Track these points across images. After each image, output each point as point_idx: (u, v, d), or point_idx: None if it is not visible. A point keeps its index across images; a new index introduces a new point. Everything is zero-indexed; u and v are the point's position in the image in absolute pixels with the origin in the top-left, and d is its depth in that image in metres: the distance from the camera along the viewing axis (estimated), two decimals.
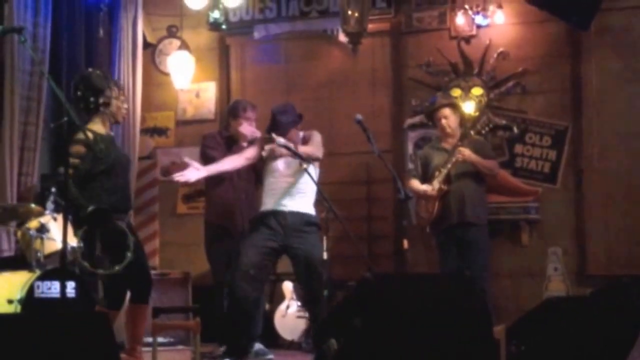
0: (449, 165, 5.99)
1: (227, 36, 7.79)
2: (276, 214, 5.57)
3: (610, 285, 4.30)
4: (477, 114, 6.89)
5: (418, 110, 7.17)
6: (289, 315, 6.82)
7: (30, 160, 6.30)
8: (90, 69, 5.72)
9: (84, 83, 5.15)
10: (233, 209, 6.18)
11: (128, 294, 5.32)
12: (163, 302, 6.77)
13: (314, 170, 5.62)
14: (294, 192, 5.60)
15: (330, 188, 6.22)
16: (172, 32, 7.90)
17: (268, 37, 7.69)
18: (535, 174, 6.99)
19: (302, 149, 5.59)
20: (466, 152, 5.95)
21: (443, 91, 6.97)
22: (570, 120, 6.97)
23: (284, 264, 6.14)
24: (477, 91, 7.09)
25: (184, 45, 7.72)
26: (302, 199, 5.63)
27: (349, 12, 6.90)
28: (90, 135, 4.92)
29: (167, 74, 7.75)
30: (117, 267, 4.82)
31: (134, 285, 5.22)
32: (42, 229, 5.00)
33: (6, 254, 5.97)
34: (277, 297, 7.02)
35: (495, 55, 7.07)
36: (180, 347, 6.68)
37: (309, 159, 5.49)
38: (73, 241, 4.75)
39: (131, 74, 7.40)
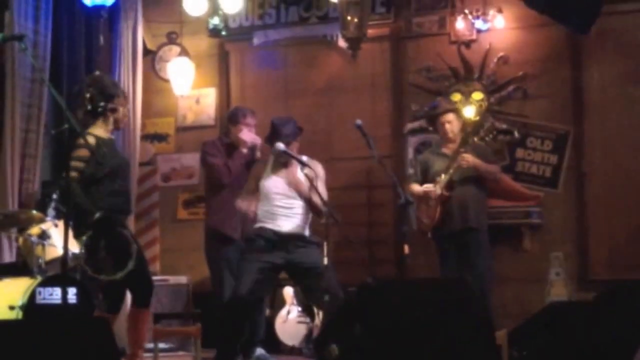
0: (451, 171, 5.97)
1: (226, 42, 7.80)
2: (274, 234, 5.43)
3: (613, 290, 4.28)
4: (477, 118, 6.89)
5: (418, 115, 7.16)
6: (290, 321, 6.82)
7: (31, 167, 6.31)
8: (98, 72, 5.75)
9: (96, 86, 5.17)
10: (233, 214, 6.17)
11: (128, 298, 5.33)
12: (164, 308, 6.78)
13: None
14: (290, 215, 5.45)
15: (330, 193, 6.18)
16: (172, 39, 7.91)
17: (268, 43, 7.69)
18: (537, 178, 6.98)
19: (322, 192, 5.40)
20: (469, 158, 5.94)
21: (443, 96, 6.97)
22: (572, 124, 6.96)
23: None
24: (477, 96, 7.09)
25: (184, 52, 7.73)
26: (299, 220, 5.46)
27: (349, 18, 6.90)
28: (93, 139, 4.94)
29: (167, 81, 7.76)
30: (118, 275, 4.83)
31: (135, 290, 5.22)
32: (43, 236, 5.02)
33: (8, 260, 5.98)
34: (278, 303, 7.01)
35: (495, 60, 7.06)
36: (181, 352, 6.69)
37: (319, 211, 5.34)
38: (74, 247, 4.75)
39: (131, 80, 7.41)
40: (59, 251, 5.00)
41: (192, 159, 7.68)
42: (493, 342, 3.79)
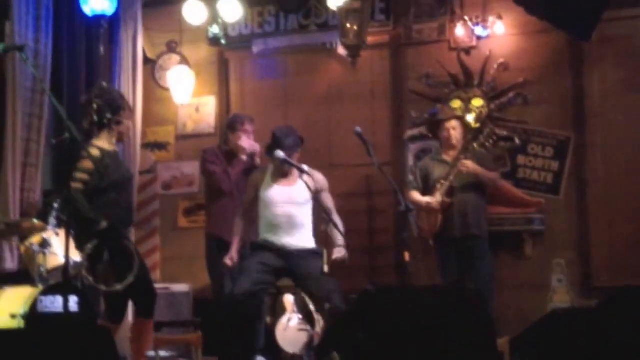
0: (451, 178, 5.97)
1: (226, 51, 7.81)
2: (277, 249, 5.43)
3: (615, 296, 4.27)
4: (477, 125, 6.88)
5: (418, 122, 7.16)
6: (291, 329, 6.79)
7: (33, 176, 6.32)
8: (105, 84, 5.77)
9: (104, 98, 5.17)
10: (233, 222, 6.17)
11: (131, 309, 5.32)
12: (164, 316, 6.77)
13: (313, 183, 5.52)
14: (292, 226, 5.44)
15: None
16: (171, 48, 7.92)
17: (267, 51, 7.70)
18: (538, 185, 6.98)
19: (328, 202, 5.48)
20: (470, 165, 5.93)
21: (443, 103, 6.97)
22: (573, 130, 6.96)
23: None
24: (477, 102, 7.09)
25: (184, 61, 7.75)
26: (302, 232, 5.48)
27: (348, 25, 6.91)
28: (97, 151, 4.96)
29: (167, 89, 7.78)
30: (118, 286, 4.83)
31: (138, 300, 5.22)
32: (45, 244, 5.02)
33: (10, 268, 5.98)
34: (279, 311, 6.99)
35: (495, 66, 7.07)
36: None
37: (333, 221, 5.35)
38: (76, 256, 4.76)
39: (132, 89, 7.42)
40: (60, 259, 5.01)
41: (192, 167, 7.69)
42: (495, 350, 3.78)
